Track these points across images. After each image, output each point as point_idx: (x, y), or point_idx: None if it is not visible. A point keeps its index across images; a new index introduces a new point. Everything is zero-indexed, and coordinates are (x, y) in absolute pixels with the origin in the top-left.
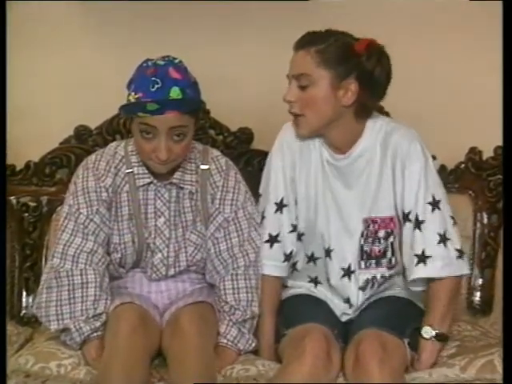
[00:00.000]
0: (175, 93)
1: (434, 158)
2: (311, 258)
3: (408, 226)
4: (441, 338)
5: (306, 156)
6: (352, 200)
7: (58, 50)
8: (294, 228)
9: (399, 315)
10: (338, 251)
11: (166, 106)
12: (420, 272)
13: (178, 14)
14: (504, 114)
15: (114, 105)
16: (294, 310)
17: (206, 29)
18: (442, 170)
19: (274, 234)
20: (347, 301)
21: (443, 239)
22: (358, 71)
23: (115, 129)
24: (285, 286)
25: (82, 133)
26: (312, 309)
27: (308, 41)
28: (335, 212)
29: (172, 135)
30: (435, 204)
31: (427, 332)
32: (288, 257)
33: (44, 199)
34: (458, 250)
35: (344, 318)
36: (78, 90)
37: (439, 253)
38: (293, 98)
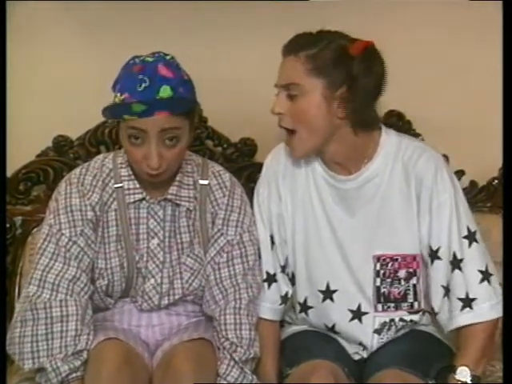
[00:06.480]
0: (165, 92)
1: (462, 173)
2: (303, 307)
3: (437, 264)
4: (475, 381)
5: (293, 181)
6: (356, 230)
7: (36, 53)
8: (283, 269)
9: (422, 353)
10: (343, 291)
11: (155, 106)
12: (467, 318)
13: (171, 11)
14: (504, 116)
15: (98, 112)
16: (298, 347)
17: (202, 27)
18: (471, 187)
19: (272, 272)
20: (360, 343)
21: (486, 276)
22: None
23: (100, 139)
24: (287, 323)
25: (61, 144)
26: (318, 344)
27: (297, 45)
28: (334, 245)
29: (164, 139)
30: (471, 237)
31: (463, 374)
32: (284, 299)
33: (18, 220)
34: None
35: (357, 357)
36: (57, 96)
37: (484, 293)
38: (282, 110)
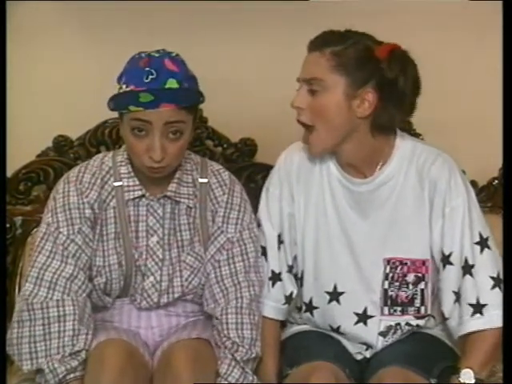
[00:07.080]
0: (172, 84)
1: (462, 173)
2: (309, 307)
3: (449, 269)
4: (478, 383)
5: (307, 182)
6: (368, 233)
7: (36, 53)
8: (290, 269)
9: (426, 353)
10: (350, 294)
11: (162, 97)
12: (477, 324)
13: (172, 11)
14: (504, 116)
15: (98, 112)
16: (299, 347)
17: (203, 27)
18: (471, 187)
19: (277, 271)
20: (364, 344)
21: (497, 282)
22: (377, 80)
23: (100, 139)
24: (290, 322)
25: (61, 144)
26: (320, 345)
27: (323, 41)
28: (346, 247)
29: (167, 132)
30: (484, 243)
31: (466, 376)
32: (288, 299)
33: (18, 220)
34: None
35: (359, 357)
36: (57, 96)
37: (495, 299)
38: (302, 105)
